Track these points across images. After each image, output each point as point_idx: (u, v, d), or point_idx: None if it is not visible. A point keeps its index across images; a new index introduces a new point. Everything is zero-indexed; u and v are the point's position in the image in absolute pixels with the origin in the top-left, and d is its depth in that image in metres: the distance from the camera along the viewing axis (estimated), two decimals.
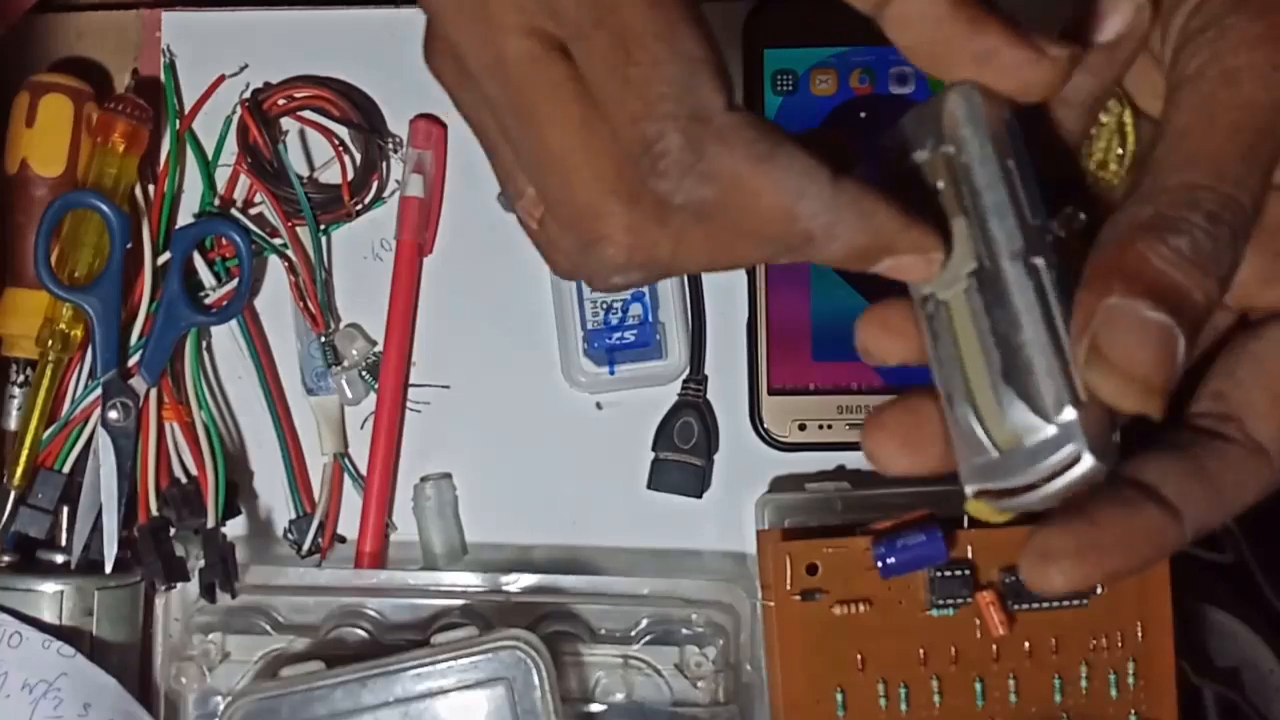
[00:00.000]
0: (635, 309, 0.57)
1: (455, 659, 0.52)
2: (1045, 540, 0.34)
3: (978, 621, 0.52)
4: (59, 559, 0.55)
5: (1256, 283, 0.36)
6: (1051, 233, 0.34)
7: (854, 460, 0.58)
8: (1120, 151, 0.37)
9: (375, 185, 0.58)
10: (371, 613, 0.56)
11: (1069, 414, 0.32)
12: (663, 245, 0.34)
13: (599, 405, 0.58)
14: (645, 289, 0.57)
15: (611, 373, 0.57)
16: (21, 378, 0.57)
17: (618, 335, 0.57)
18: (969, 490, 0.34)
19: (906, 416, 0.35)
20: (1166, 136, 0.33)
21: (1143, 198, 0.33)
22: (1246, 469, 0.35)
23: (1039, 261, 0.33)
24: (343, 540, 0.58)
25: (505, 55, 0.33)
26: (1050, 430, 0.32)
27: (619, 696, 0.55)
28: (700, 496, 0.58)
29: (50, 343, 0.56)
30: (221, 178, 0.58)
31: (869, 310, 0.36)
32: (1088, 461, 0.32)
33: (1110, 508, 0.34)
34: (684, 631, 0.56)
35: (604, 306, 0.57)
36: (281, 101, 0.58)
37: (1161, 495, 0.34)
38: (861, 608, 0.52)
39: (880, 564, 0.51)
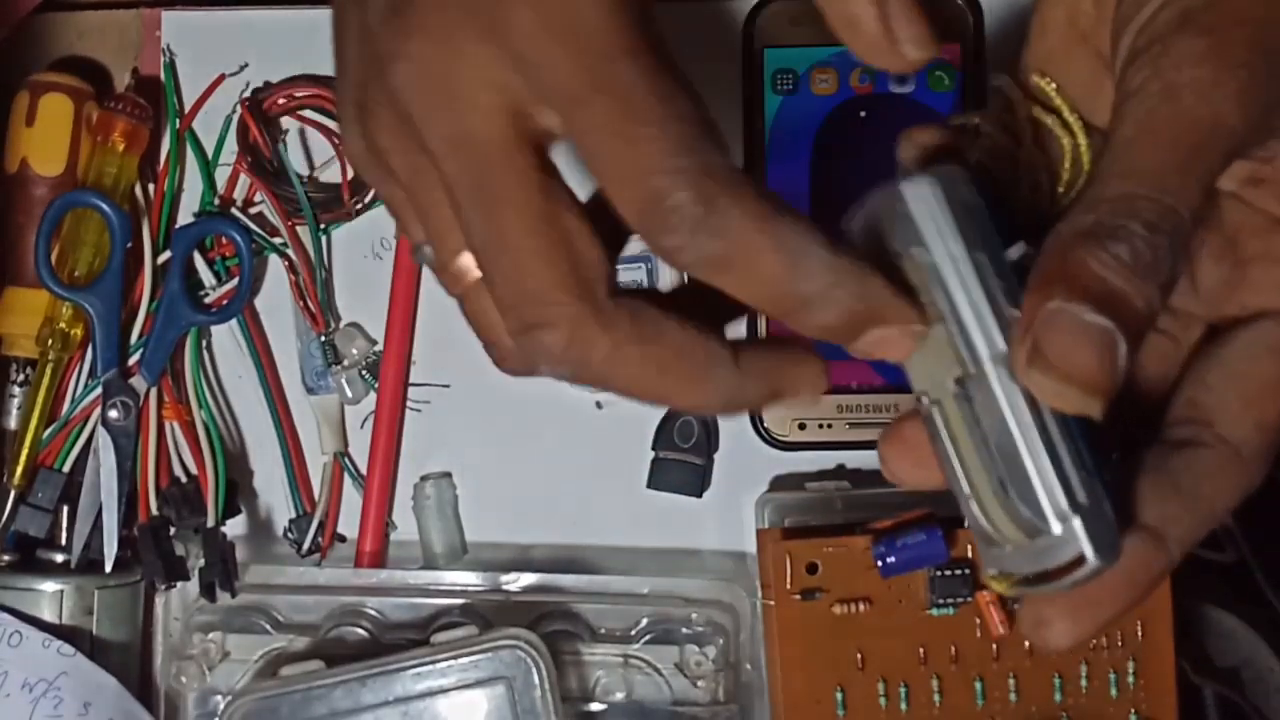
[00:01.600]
0: None
1: (455, 658, 0.52)
2: (1038, 610, 0.35)
3: (978, 621, 0.52)
4: (59, 558, 0.55)
5: (1220, 290, 0.37)
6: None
7: (854, 459, 0.58)
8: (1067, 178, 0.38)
9: None
10: (371, 612, 0.56)
11: (1071, 521, 0.32)
12: (599, 347, 0.34)
13: (599, 405, 0.58)
14: (644, 288, 0.57)
15: None
16: (21, 377, 0.57)
17: None
18: (988, 571, 0.35)
19: (922, 433, 0.35)
20: (1110, 149, 0.34)
21: (1085, 207, 0.33)
22: (1223, 474, 0.36)
23: None
24: (343, 539, 0.58)
25: (473, 136, 0.33)
26: (1054, 533, 0.32)
27: (619, 696, 0.55)
28: (700, 496, 0.58)
29: (50, 342, 0.56)
30: (221, 177, 0.58)
31: (890, 429, 0.36)
32: (1093, 563, 0.32)
33: None
34: (684, 631, 0.56)
35: None
36: (281, 101, 0.58)
37: (1143, 524, 0.35)
38: (861, 607, 0.52)
39: (880, 563, 0.51)
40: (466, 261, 0.35)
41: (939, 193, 0.33)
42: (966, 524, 0.35)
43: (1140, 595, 0.35)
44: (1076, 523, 0.32)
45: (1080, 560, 0.32)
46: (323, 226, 0.58)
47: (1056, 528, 0.32)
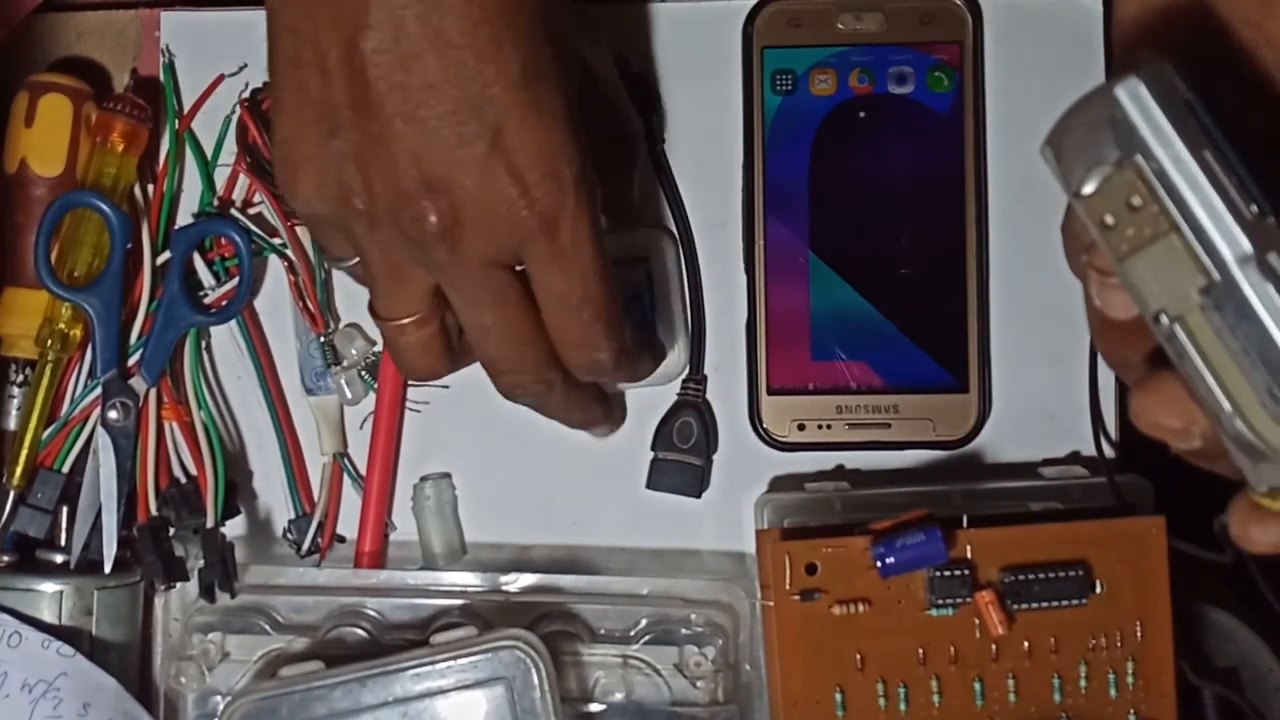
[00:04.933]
0: (634, 308, 0.57)
1: (454, 659, 0.52)
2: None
3: (977, 621, 0.52)
4: (59, 559, 0.56)
5: None
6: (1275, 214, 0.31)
7: (853, 460, 0.58)
8: None
9: None
10: (371, 612, 0.56)
11: None
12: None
13: None
14: (644, 287, 0.57)
15: None
16: (21, 377, 0.57)
17: None
18: (1258, 489, 0.33)
19: (1173, 384, 0.33)
20: None
21: None
22: None
23: (1274, 259, 0.30)
24: (342, 540, 0.58)
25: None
26: None
27: (618, 696, 0.55)
28: (699, 496, 0.58)
29: (50, 342, 0.56)
30: (221, 177, 0.58)
31: (1143, 382, 0.34)
32: None
33: None
34: (683, 631, 0.56)
35: None
36: None
37: None
38: (861, 607, 0.52)
39: (879, 564, 0.51)
40: None
41: (1154, 90, 0.30)
42: (1229, 443, 0.32)
43: None
44: None
45: None
46: None
47: None
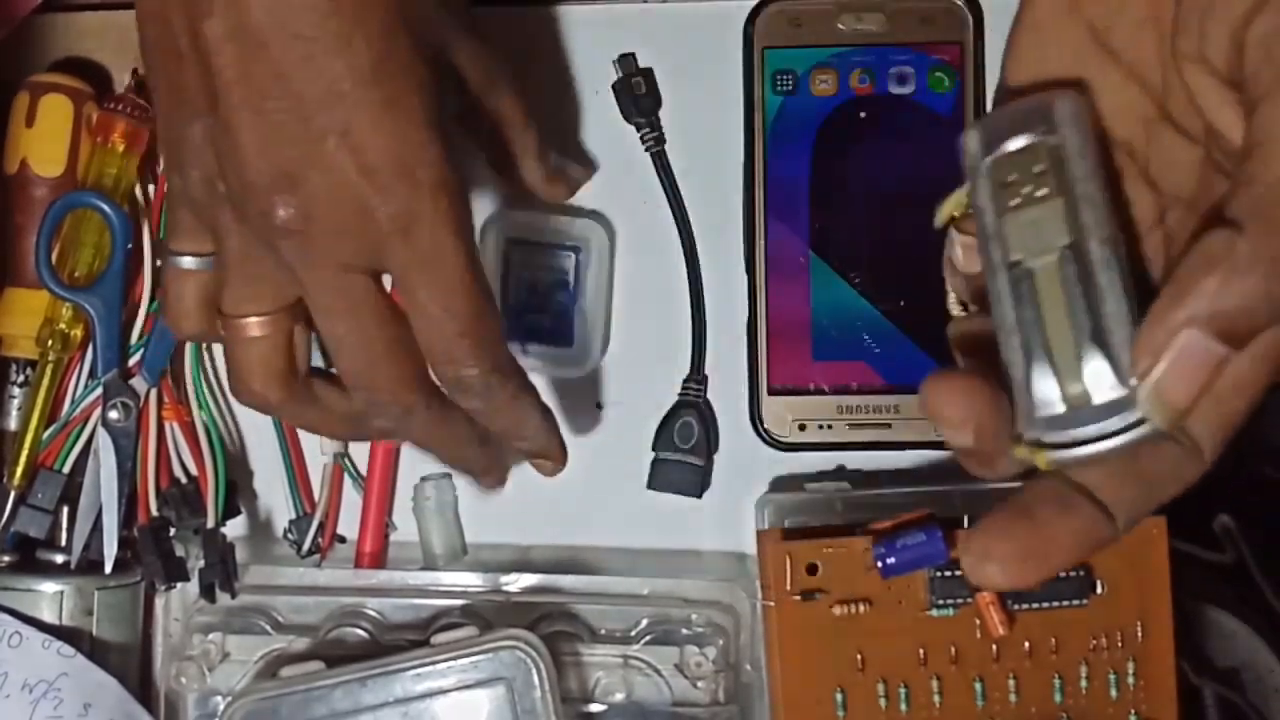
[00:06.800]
0: (558, 297, 0.57)
1: (455, 659, 0.52)
2: (986, 542, 0.37)
3: (977, 621, 0.52)
4: (59, 559, 0.55)
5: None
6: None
7: (854, 460, 0.58)
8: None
9: None
10: (371, 613, 0.56)
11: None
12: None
13: (599, 405, 0.58)
14: (572, 276, 0.57)
15: (525, 353, 0.57)
16: (21, 378, 0.57)
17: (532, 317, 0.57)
18: (1026, 437, 0.37)
19: (967, 377, 0.38)
20: (1257, 154, 0.33)
21: (1233, 217, 0.32)
22: (1180, 464, 0.37)
23: (1119, 250, 0.37)
24: (343, 540, 0.58)
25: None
26: (1124, 391, 0.35)
27: (619, 696, 0.55)
28: (700, 496, 0.58)
29: (50, 342, 0.56)
30: None
31: (936, 376, 0.38)
32: (1152, 425, 0.35)
33: (1050, 510, 0.36)
34: (684, 631, 0.56)
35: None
36: None
37: (1096, 498, 0.36)
38: (861, 608, 0.52)
39: (880, 564, 0.51)
40: None
41: (1084, 105, 0.38)
42: (1017, 392, 0.37)
43: (1080, 558, 0.37)
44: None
45: (1140, 421, 0.35)
46: None
47: (1130, 384, 0.35)
